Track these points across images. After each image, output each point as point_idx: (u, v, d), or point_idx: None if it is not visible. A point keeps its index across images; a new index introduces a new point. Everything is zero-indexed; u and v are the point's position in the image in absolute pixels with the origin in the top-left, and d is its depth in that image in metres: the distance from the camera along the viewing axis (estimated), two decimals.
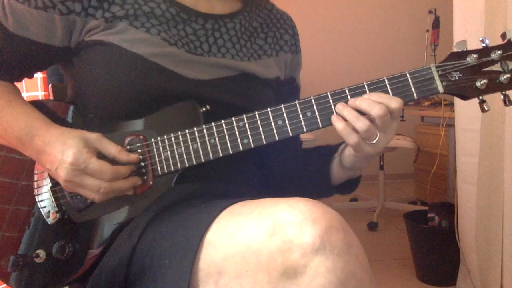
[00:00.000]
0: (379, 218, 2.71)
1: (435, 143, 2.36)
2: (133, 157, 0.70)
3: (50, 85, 0.99)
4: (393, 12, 3.87)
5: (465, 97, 0.68)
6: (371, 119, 0.65)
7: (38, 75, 1.34)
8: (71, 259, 0.72)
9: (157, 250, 0.63)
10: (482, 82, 0.66)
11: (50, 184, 0.74)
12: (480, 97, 0.67)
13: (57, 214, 0.73)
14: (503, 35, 0.66)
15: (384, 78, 0.68)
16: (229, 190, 0.75)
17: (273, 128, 0.69)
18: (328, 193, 0.85)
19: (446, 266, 1.85)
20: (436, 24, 2.70)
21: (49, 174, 0.74)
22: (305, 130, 0.69)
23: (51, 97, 0.97)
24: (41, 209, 0.75)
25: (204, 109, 0.72)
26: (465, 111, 1.52)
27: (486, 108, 0.68)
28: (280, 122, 0.69)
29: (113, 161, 0.68)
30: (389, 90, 0.67)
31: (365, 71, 3.50)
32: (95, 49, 0.74)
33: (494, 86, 0.66)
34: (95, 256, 0.71)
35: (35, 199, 0.75)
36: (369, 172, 2.70)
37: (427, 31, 2.79)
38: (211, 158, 0.70)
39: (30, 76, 0.83)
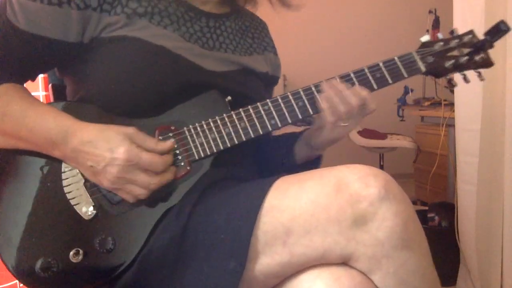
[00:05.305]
0: None
1: (435, 143, 2.35)
2: (170, 144, 0.71)
3: (50, 85, 0.99)
4: (393, 12, 3.87)
5: (439, 75, 0.84)
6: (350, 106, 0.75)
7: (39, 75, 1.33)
8: (115, 252, 0.70)
9: (211, 225, 0.65)
10: (449, 63, 0.82)
11: (83, 180, 0.73)
12: (447, 76, 0.84)
13: (94, 209, 0.72)
14: (451, 32, 0.84)
15: (379, 62, 0.80)
16: (252, 175, 0.81)
17: (295, 109, 0.77)
18: (293, 171, 0.91)
19: (446, 266, 1.84)
20: (436, 24, 2.69)
21: (80, 172, 0.72)
22: None
23: (52, 97, 0.97)
24: (74, 207, 0.72)
25: (227, 98, 0.77)
26: (465, 111, 1.52)
27: (453, 85, 0.85)
28: (300, 103, 0.78)
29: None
30: (385, 72, 0.79)
31: None
32: (118, 45, 0.75)
33: (458, 66, 0.82)
34: (139, 245, 0.70)
35: (66, 197, 0.72)
36: None
37: (427, 31, 2.79)
38: (244, 139, 0.75)
39: (34, 78, 0.81)
